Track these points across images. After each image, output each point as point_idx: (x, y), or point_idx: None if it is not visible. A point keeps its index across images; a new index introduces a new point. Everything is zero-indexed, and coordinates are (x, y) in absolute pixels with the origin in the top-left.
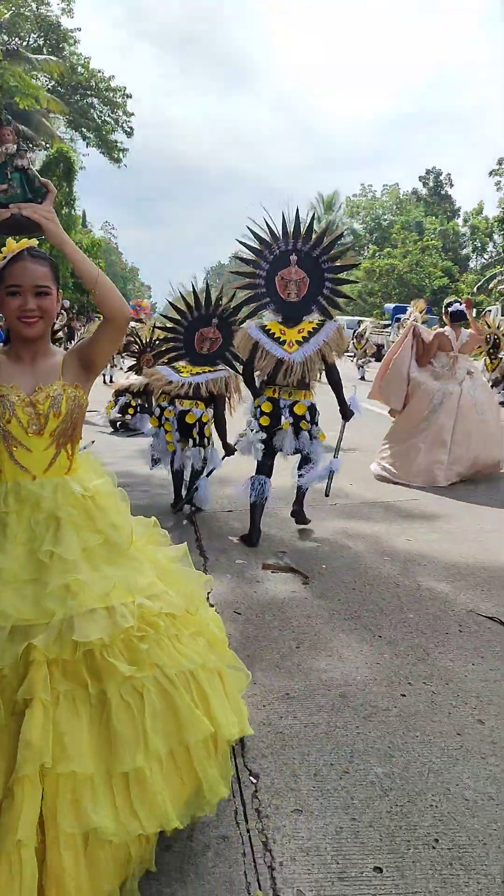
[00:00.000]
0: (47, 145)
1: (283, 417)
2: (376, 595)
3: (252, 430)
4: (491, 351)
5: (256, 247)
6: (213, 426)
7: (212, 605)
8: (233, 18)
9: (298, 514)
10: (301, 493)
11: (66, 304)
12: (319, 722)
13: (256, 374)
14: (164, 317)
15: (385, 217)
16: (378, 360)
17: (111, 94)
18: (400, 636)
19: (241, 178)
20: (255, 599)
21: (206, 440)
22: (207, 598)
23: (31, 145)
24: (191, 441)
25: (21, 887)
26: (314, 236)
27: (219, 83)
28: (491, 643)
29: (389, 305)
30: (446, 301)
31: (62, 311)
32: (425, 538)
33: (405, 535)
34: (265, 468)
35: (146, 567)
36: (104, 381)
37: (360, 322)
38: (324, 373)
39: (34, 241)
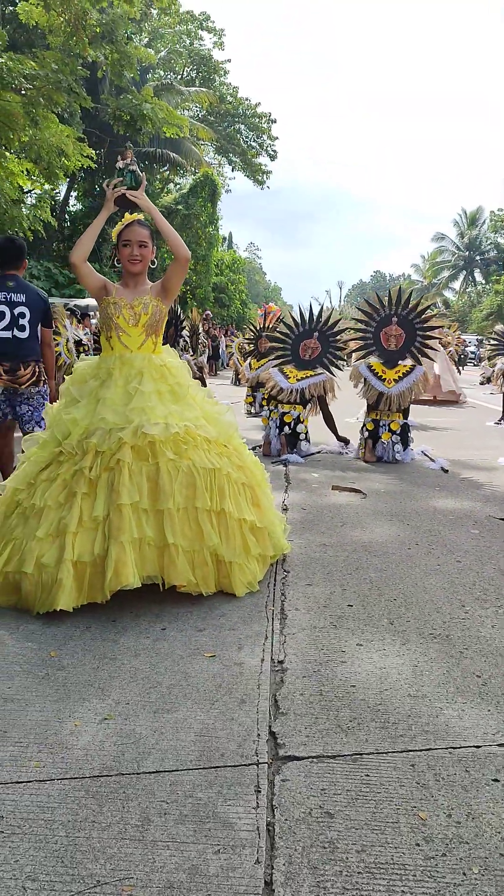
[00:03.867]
0: (195, 170)
1: (380, 431)
2: (420, 508)
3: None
4: None
5: (369, 311)
6: (305, 424)
7: (286, 509)
8: (373, 42)
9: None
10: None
11: (209, 314)
12: (342, 556)
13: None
14: (276, 330)
15: None
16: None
17: (257, 120)
18: (425, 525)
19: (384, 195)
20: (319, 503)
21: (298, 435)
22: (283, 504)
23: (178, 169)
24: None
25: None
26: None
27: (362, 106)
28: (493, 531)
29: None
30: None
31: (204, 320)
32: (482, 478)
33: (463, 477)
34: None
35: (196, 409)
36: (232, 383)
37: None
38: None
39: (141, 216)
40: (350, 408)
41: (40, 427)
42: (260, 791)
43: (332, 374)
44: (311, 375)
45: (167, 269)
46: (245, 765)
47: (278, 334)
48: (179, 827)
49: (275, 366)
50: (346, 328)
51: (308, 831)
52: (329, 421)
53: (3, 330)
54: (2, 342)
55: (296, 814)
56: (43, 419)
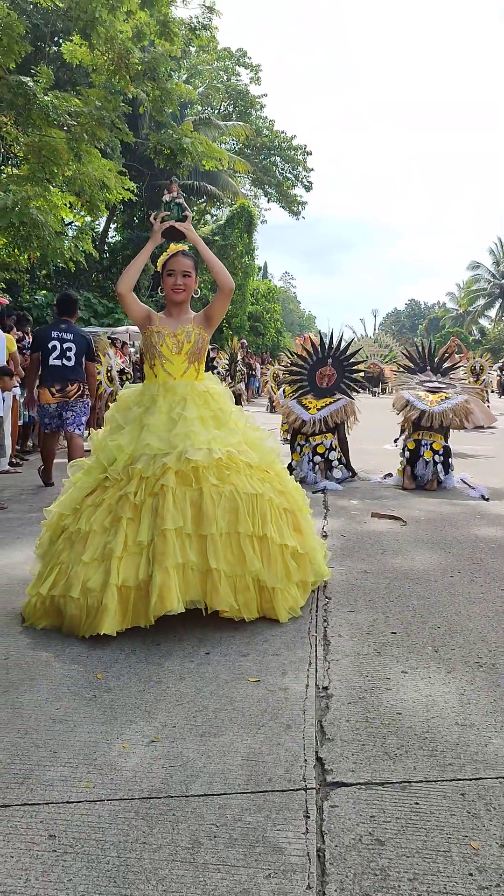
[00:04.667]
0: (232, 202)
1: (422, 449)
2: (461, 536)
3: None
4: None
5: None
6: (338, 450)
7: (325, 535)
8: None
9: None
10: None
11: (244, 342)
12: (384, 583)
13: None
14: (290, 362)
15: None
16: None
17: (292, 153)
18: (466, 553)
19: (419, 224)
20: (359, 530)
21: (332, 462)
22: (323, 531)
23: (215, 201)
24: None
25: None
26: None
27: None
28: None
29: None
30: None
31: (241, 348)
32: None
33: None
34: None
35: (238, 435)
36: (267, 410)
37: None
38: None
39: (185, 246)
40: (381, 435)
41: (79, 430)
42: (309, 816)
43: (350, 397)
44: (331, 402)
45: (212, 299)
46: (293, 790)
47: (293, 367)
48: (230, 850)
49: (294, 398)
50: (360, 350)
51: (359, 858)
52: (344, 446)
53: (55, 359)
54: (54, 368)
55: (346, 840)
56: (83, 423)
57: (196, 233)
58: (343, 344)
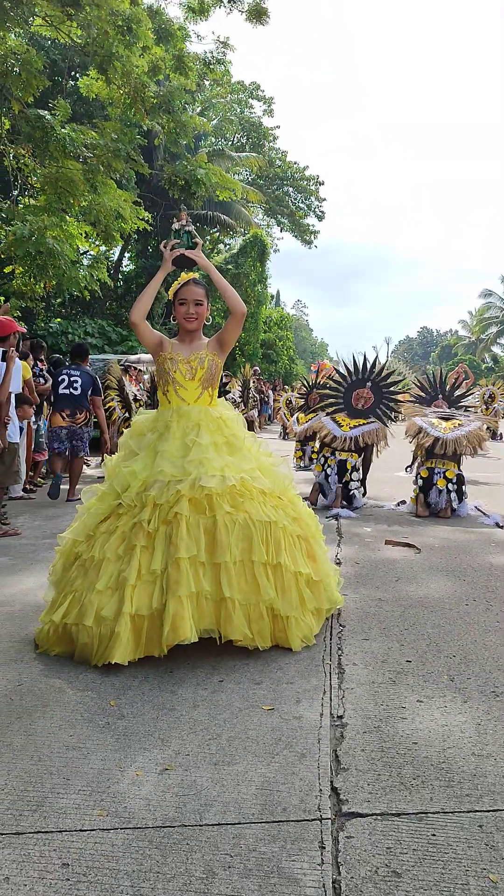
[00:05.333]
0: (245, 231)
1: (435, 478)
2: (476, 564)
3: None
4: None
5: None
6: (358, 473)
7: (339, 562)
8: (417, 95)
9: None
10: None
11: (257, 369)
12: (398, 611)
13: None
14: (330, 378)
15: None
16: None
17: (305, 183)
18: (481, 581)
19: (430, 252)
20: (373, 558)
21: (350, 487)
22: (336, 558)
23: (228, 231)
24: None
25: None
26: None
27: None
28: None
29: None
30: None
31: (254, 375)
32: None
33: None
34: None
35: (251, 461)
36: (280, 437)
37: None
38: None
39: (196, 274)
40: (398, 461)
41: (85, 452)
42: (324, 847)
43: (385, 423)
44: (364, 424)
45: (224, 324)
46: (308, 820)
47: (332, 382)
48: (244, 881)
49: (327, 414)
50: (401, 381)
51: (375, 890)
52: (366, 467)
53: (63, 388)
54: (63, 396)
55: (362, 872)
56: (87, 447)
57: (207, 259)
58: (385, 370)
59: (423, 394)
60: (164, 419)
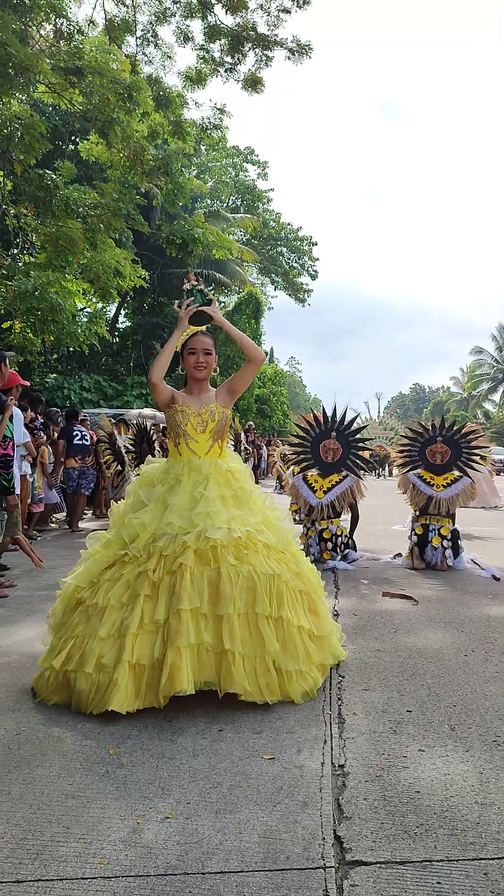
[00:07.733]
0: (239, 289)
1: (430, 536)
2: (473, 615)
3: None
4: None
5: (418, 429)
6: (345, 533)
7: (337, 614)
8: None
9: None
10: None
11: (251, 424)
12: (397, 661)
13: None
14: (293, 434)
15: None
16: None
17: (298, 243)
18: (479, 632)
19: (424, 311)
20: (370, 609)
21: (339, 549)
22: (334, 609)
23: (223, 289)
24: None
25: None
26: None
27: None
28: None
29: None
30: None
31: (248, 430)
32: None
33: None
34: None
35: (257, 515)
36: (275, 490)
37: None
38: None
39: (204, 328)
40: (392, 516)
41: (87, 489)
42: (329, 895)
43: (357, 475)
44: (337, 482)
45: (239, 370)
46: (312, 868)
47: (294, 438)
48: None
49: (298, 473)
50: (365, 427)
51: None
52: (353, 525)
53: (77, 440)
54: (78, 446)
55: None
56: (91, 486)
57: (221, 314)
58: (347, 419)
59: (419, 438)
60: (175, 471)
